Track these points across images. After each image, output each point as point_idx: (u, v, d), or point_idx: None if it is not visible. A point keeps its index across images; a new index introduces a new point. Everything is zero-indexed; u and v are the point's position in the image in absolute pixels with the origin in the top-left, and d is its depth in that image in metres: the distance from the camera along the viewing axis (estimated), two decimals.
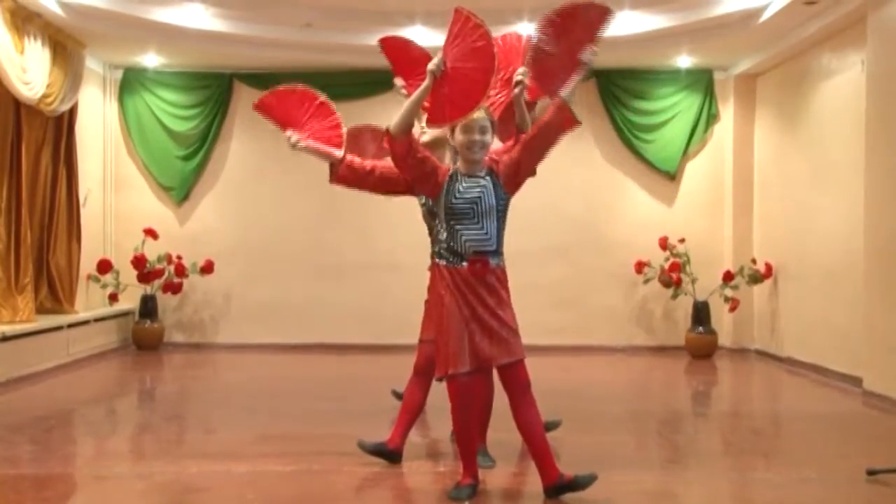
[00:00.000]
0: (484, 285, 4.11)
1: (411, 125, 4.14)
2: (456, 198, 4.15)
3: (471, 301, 4.10)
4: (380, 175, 4.71)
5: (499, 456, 4.75)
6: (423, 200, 4.78)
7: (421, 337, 4.84)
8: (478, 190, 4.14)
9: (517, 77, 4.19)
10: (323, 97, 4.82)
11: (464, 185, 4.16)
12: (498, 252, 4.18)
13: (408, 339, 9.44)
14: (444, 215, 4.19)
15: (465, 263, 4.12)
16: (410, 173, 4.23)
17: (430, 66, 4.13)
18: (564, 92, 4.14)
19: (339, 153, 4.70)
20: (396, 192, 4.80)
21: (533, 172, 4.29)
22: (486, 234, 4.13)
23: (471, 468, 4.21)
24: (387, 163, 4.59)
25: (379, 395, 6.53)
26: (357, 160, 4.74)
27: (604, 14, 4.15)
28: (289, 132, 4.70)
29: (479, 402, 4.29)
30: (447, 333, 4.12)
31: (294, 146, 4.66)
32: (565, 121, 4.12)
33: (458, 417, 4.19)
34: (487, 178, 4.18)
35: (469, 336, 4.09)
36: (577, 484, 4.06)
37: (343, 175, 4.71)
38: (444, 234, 4.20)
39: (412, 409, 4.75)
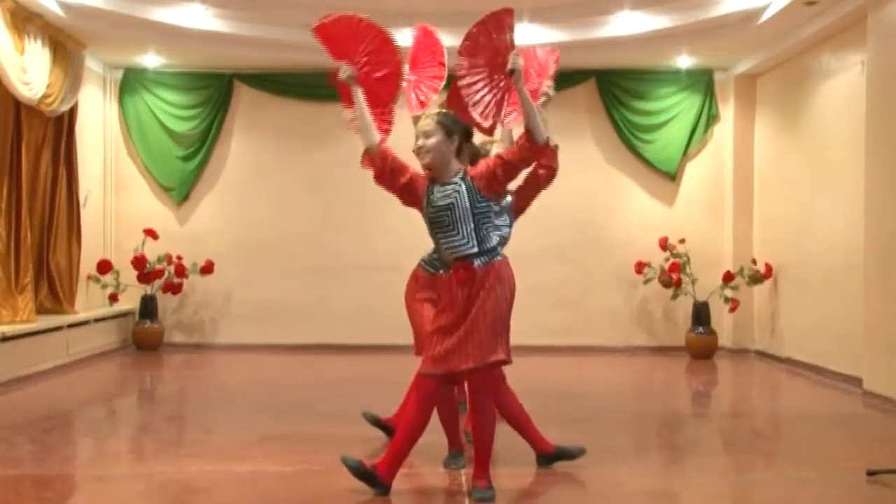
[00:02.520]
0: (468, 288, 4.09)
1: (372, 134, 4.20)
2: (432, 207, 4.15)
3: (443, 309, 4.15)
4: (409, 181, 4.22)
5: (502, 459, 4.75)
6: None
7: None
8: (450, 196, 4.11)
9: (545, 89, 4.30)
10: (389, 36, 4.50)
11: (436, 193, 4.15)
12: (482, 252, 4.11)
13: (407, 340, 9.45)
14: (427, 226, 4.22)
15: (450, 271, 4.16)
16: (389, 188, 4.24)
17: (342, 75, 4.33)
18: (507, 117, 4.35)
19: (376, 136, 4.22)
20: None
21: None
22: (463, 238, 4.10)
23: (392, 462, 4.16)
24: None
25: (379, 395, 6.52)
26: (392, 154, 4.25)
27: (508, 14, 4.23)
28: (343, 66, 4.35)
29: (434, 406, 4.29)
30: (428, 333, 4.25)
31: (348, 80, 4.33)
32: (540, 149, 4.11)
33: (408, 410, 4.22)
34: (461, 182, 4.13)
35: (440, 341, 4.11)
36: (478, 497, 4.09)
37: (377, 165, 4.20)
38: (434, 244, 4.27)
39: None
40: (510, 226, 5.04)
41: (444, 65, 4.83)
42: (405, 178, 4.18)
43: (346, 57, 4.40)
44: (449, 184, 4.14)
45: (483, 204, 4.14)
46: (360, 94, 4.30)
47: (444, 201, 4.11)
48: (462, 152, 4.22)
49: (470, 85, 4.23)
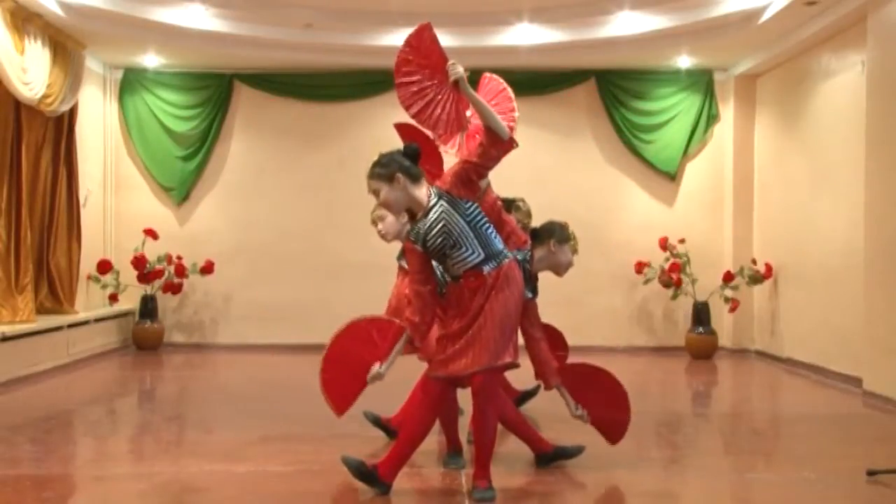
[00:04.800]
0: (480, 295, 4.08)
1: (403, 348, 4.23)
2: (428, 241, 4.10)
3: (454, 316, 4.15)
4: (430, 289, 4.22)
5: (502, 459, 4.75)
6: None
7: None
8: (439, 220, 4.06)
9: (454, 76, 4.09)
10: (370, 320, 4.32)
11: (425, 225, 4.10)
12: (489, 258, 4.10)
13: None
14: (434, 258, 4.19)
15: (461, 280, 4.13)
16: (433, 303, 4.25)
17: (377, 379, 4.22)
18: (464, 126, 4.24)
19: (404, 337, 4.21)
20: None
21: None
22: (468, 250, 4.07)
23: (394, 462, 4.17)
24: (414, 279, 4.23)
25: (379, 395, 6.51)
26: (407, 315, 4.24)
27: (427, 29, 4.17)
28: (372, 373, 4.20)
29: (441, 409, 4.31)
30: (440, 338, 4.22)
31: (384, 372, 4.22)
32: (504, 145, 4.07)
33: (414, 412, 4.27)
34: (439, 201, 4.08)
35: (449, 345, 4.12)
36: (478, 497, 4.08)
37: (420, 334, 4.22)
38: (441, 268, 4.27)
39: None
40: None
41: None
42: (424, 288, 4.17)
43: (367, 366, 4.22)
44: (429, 211, 4.09)
45: (471, 208, 4.11)
46: (392, 360, 4.25)
47: (436, 228, 4.06)
48: (416, 177, 4.11)
49: (421, 111, 4.17)
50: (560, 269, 4.78)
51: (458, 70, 4.08)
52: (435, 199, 4.09)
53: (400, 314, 4.73)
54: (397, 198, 4.09)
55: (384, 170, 4.08)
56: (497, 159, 4.12)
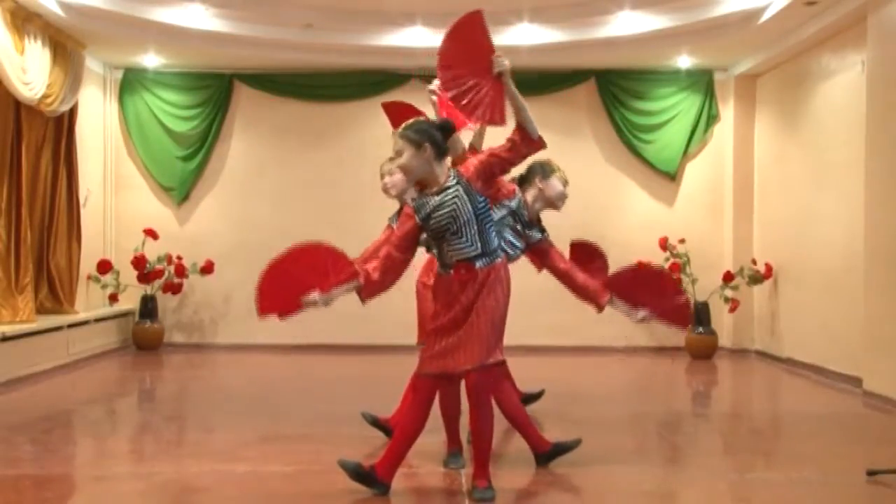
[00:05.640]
0: (469, 289, 4.09)
1: (351, 287, 4.10)
2: (433, 218, 4.09)
3: (442, 308, 4.14)
4: (403, 259, 4.16)
5: (502, 459, 4.75)
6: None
7: None
8: (450, 203, 4.07)
9: (499, 68, 4.10)
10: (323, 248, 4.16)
11: (435, 203, 4.09)
12: (484, 254, 4.11)
13: (407, 340, 9.43)
14: (430, 237, 4.19)
15: (451, 271, 4.13)
16: (402, 270, 4.20)
17: (318, 306, 4.08)
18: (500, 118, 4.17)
19: (355, 283, 4.10)
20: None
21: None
22: (469, 242, 4.08)
23: (390, 462, 4.17)
24: (394, 243, 4.19)
25: (378, 395, 6.52)
26: (368, 267, 4.16)
27: (478, 17, 4.15)
28: (308, 298, 4.05)
29: (431, 405, 4.28)
30: (430, 333, 4.22)
31: (321, 304, 4.07)
32: (534, 144, 4.12)
33: (406, 410, 4.26)
34: (457, 185, 4.09)
35: (438, 341, 4.11)
36: (478, 497, 4.08)
37: (377, 286, 4.15)
38: (435, 251, 4.26)
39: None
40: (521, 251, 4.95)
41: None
42: (398, 254, 4.12)
43: (308, 289, 4.07)
44: (444, 190, 4.10)
45: (482, 203, 4.13)
46: (333, 297, 4.13)
47: (445, 209, 4.07)
48: (442, 153, 4.13)
49: (460, 96, 4.15)
50: (556, 203, 4.86)
51: (503, 63, 4.10)
52: (454, 181, 4.10)
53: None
54: (418, 166, 4.10)
55: (416, 135, 4.09)
56: (524, 157, 4.18)
